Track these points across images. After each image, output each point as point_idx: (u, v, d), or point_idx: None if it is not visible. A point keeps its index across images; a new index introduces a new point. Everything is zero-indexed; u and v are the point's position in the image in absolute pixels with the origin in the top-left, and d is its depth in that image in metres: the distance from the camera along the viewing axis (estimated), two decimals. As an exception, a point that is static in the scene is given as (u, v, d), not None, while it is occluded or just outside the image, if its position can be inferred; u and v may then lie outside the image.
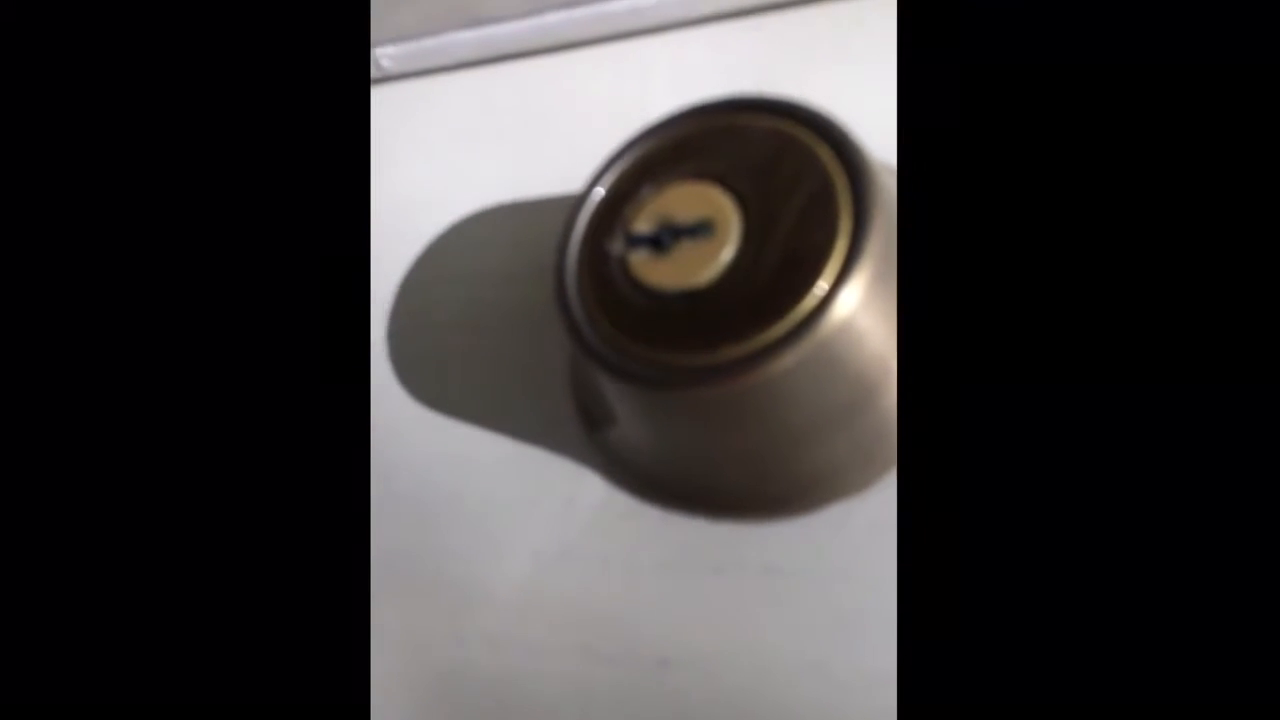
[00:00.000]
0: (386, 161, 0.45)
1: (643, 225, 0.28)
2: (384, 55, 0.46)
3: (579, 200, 0.30)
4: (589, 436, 0.34)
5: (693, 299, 0.26)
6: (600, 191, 0.29)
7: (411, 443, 0.39)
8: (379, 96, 0.47)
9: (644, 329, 0.27)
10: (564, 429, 0.36)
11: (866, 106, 0.35)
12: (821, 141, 0.26)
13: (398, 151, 0.45)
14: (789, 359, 0.25)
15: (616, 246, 0.28)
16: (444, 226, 0.43)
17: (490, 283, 0.40)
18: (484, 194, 0.42)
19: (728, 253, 0.26)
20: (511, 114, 0.43)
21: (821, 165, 0.26)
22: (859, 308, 0.25)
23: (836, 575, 0.28)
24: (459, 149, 0.44)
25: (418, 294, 0.42)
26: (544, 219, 0.41)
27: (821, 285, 0.25)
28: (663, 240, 0.27)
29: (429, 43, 0.44)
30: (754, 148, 0.27)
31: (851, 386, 0.27)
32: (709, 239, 0.27)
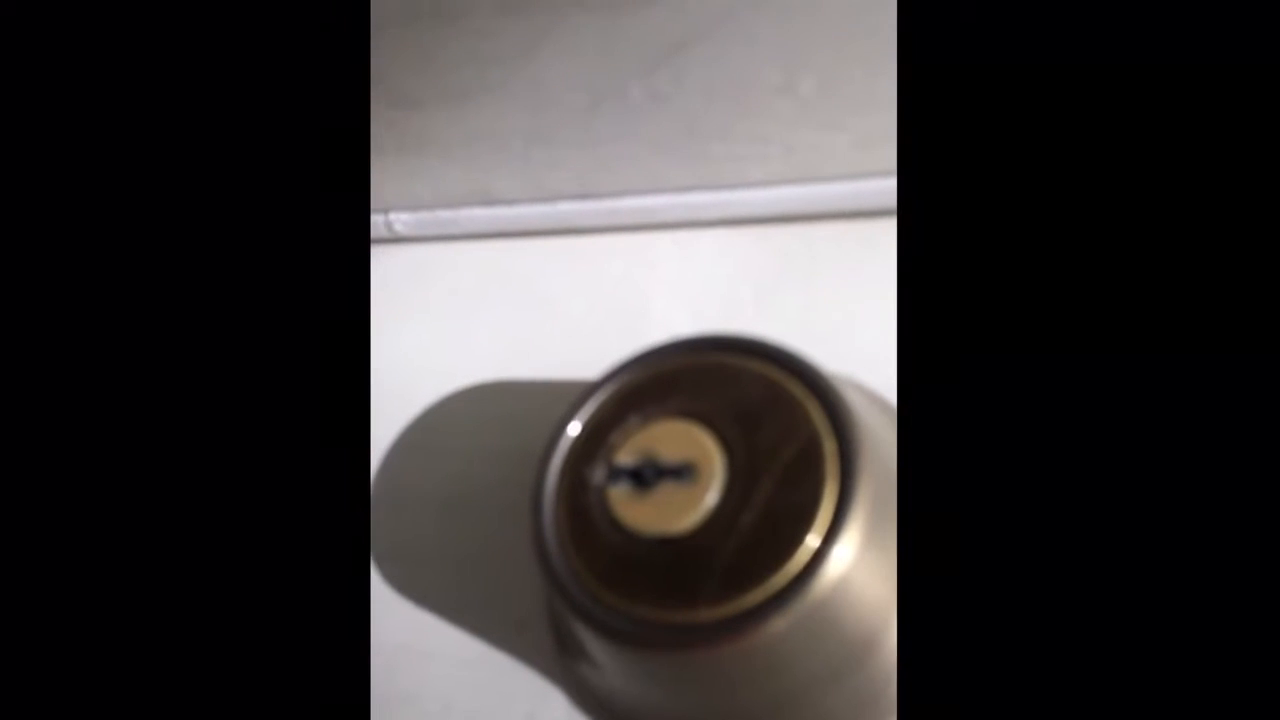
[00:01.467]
0: (390, 321, 0.45)
1: (626, 457, 0.27)
2: (398, 220, 0.47)
3: (564, 420, 0.29)
4: (558, 655, 0.32)
5: (672, 546, 0.25)
6: (586, 415, 0.29)
7: (373, 629, 0.37)
8: (389, 257, 0.48)
9: (621, 574, 0.26)
10: (534, 634, 0.34)
11: (867, 326, 0.35)
12: (811, 396, 0.26)
13: (402, 313, 0.46)
14: (778, 623, 0.23)
15: (598, 475, 0.28)
16: (438, 396, 0.42)
17: (478, 461, 0.40)
18: (482, 367, 0.42)
19: (710, 500, 0.26)
20: (518, 289, 0.44)
21: (809, 421, 0.25)
22: (852, 564, 0.24)
23: None
24: (463, 317, 0.44)
25: (402, 463, 0.41)
26: (539, 401, 0.41)
27: (812, 539, 0.24)
28: (645, 476, 0.27)
29: (443, 214, 0.45)
30: (743, 392, 0.27)
31: (846, 645, 0.25)
32: (692, 482, 0.26)
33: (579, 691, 0.31)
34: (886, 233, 0.36)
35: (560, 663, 0.32)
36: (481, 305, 0.44)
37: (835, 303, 0.36)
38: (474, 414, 0.41)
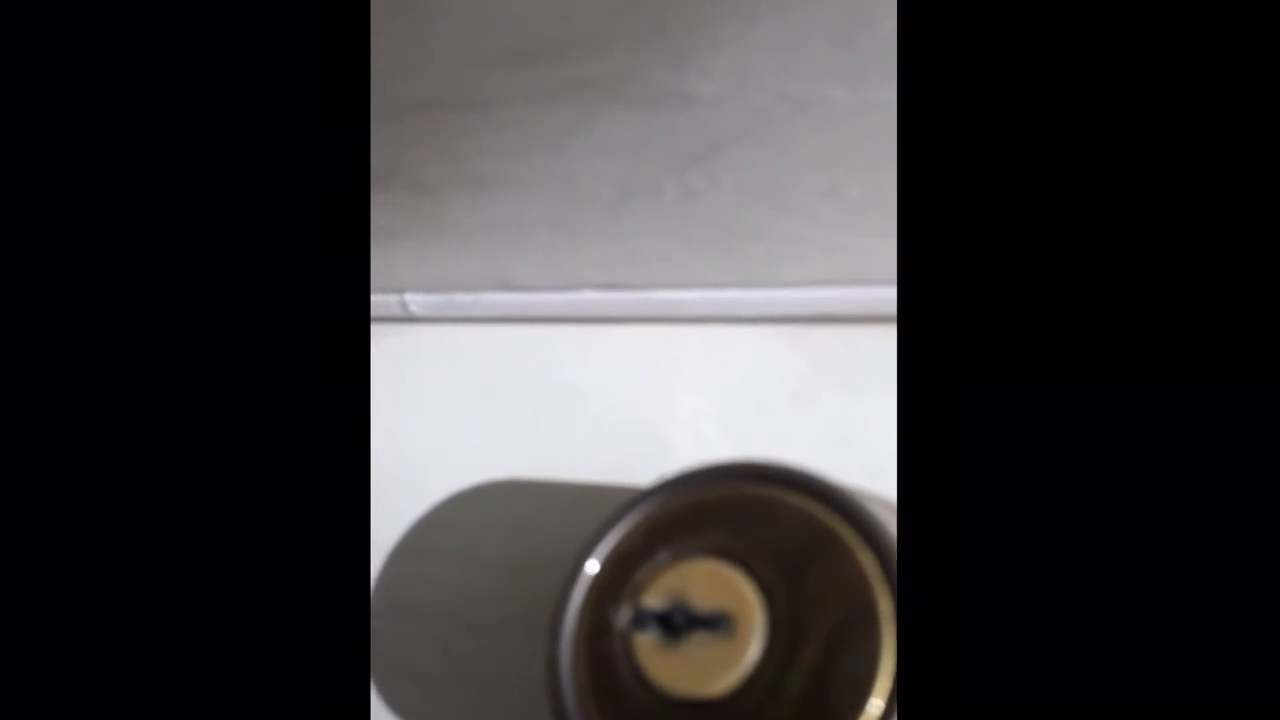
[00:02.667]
0: (399, 405, 0.43)
1: (654, 600, 0.25)
2: (413, 300, 0.45)
3: (586, 547, 0.27)
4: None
5: (708, 712, 0.23)
6: (609, 546, 0.26)
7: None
8: (402, 336, 0.46)
9: (643, 739, 0.23)
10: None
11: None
12: (864, 544, 0.23)
13: (413, 397, 0.43)
14: None
15: (622, 618, 0.25)
16: (447, 493, 0.40)
17: (487, 569, 0.37)
18: (495, 463, 0.40)
19: (749, 658, 0.23)
20: (535, 378, 0.42)
21: (862, 573, 0.23)
22: None
23: None
24: (477, 405, 0.42)
25: (405, 569, 0.39)
26: (553, 505, 0.38)
27: (874, 707, 0.21)
28: (675, 622, 0.24)
29: (460, 297, 0.43)
30: (786, 533, 0.24)
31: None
32: (727, 636, 0.23)
33: None
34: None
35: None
36: (497, 393, 0.42)
37: (878, 410, 0.33)
38: (484, 516, 0.38)
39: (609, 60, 0.27)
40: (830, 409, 0.34)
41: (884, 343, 0.35)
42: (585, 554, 0.26)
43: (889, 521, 0.25)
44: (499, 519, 0.38)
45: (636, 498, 0.27)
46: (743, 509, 0.25)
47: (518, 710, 0.34)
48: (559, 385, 0.41)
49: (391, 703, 0.35)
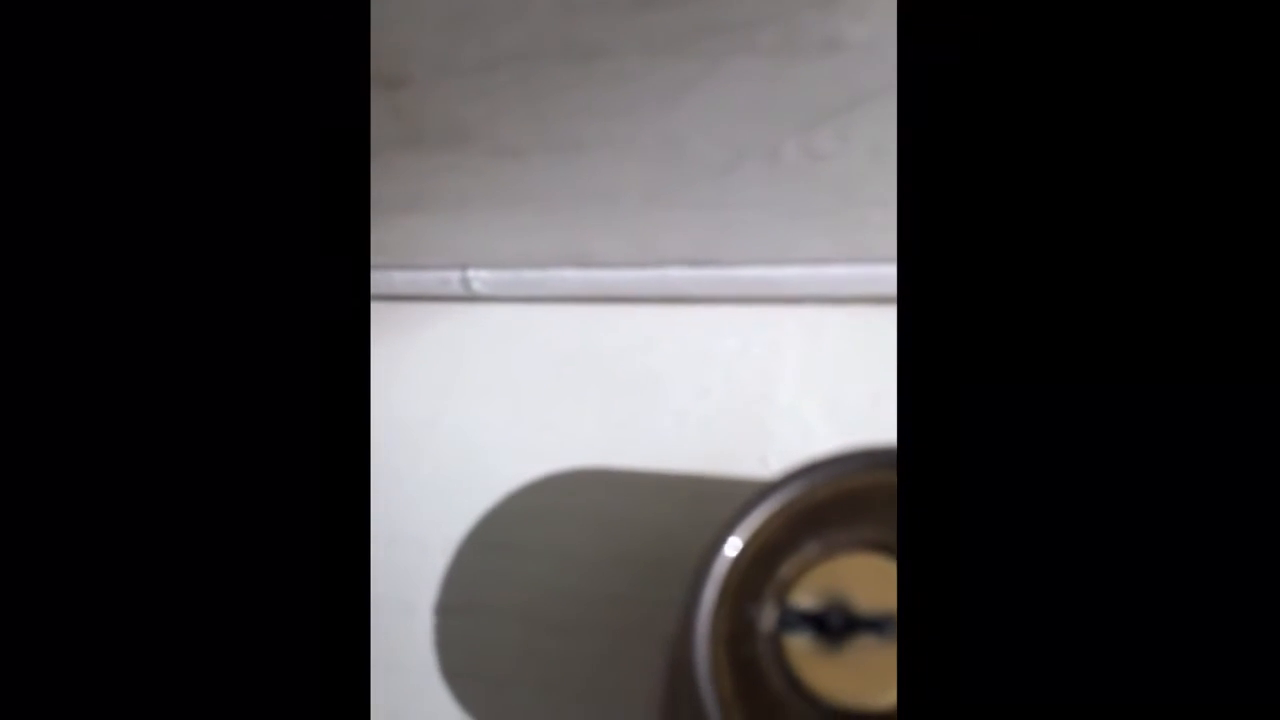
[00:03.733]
0: (465, 391, 0.40)
1: (805, 598, 0.22)
2: (476, 278, 0.42)
3: (721, 534, 0.24)
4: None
5: (875, 724, 0.20)
6: (748, 533, 0.24)
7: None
8: (464, 316, 0.43)
9: (805, 756, 0.20)
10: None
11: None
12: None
13: (480, 383, 0.40)
14: None
15: (767, 618, 0.22)
16: (521, 483, 0.37)
17: (568, 565, 0.34)
18: (574, 453, 0.37)
19: (923, 665, 0.20)
20: (614, 362, 0.39)
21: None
22: None
23: None
24: (551, 392, 0.39)
25: (479, 563, 0.36)
26: (640, 497, 0.35)
27: None
28: (831, 624, 0.21)
29: (529, 274, 0.41)
30: (960, 525, 0.22)
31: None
32: (895, 639, 0.21)
33: None
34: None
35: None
36: (573, 379, 0.39)
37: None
38: (562, 508, 0.36)
39: (747, 1, 0.25)
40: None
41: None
42: (718, 545, 0.24)
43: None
44: (579, 510, 0.35)
45: (773, 484, 0.24)
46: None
47: (604, 718, 0.31)
48: (639, 369, 0.38)
49: (467, 706, 0.32)
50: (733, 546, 0.23)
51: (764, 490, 0.24)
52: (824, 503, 0.23)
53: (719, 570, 0.23)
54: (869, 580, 0.22)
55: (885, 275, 0.33)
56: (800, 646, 0.21)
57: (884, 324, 0.34)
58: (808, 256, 0.34)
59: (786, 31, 0.25)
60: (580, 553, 0.35)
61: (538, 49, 0.29)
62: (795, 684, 0.21)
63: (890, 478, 0.23)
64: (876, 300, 0.34)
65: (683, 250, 0.37)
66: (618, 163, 0.32)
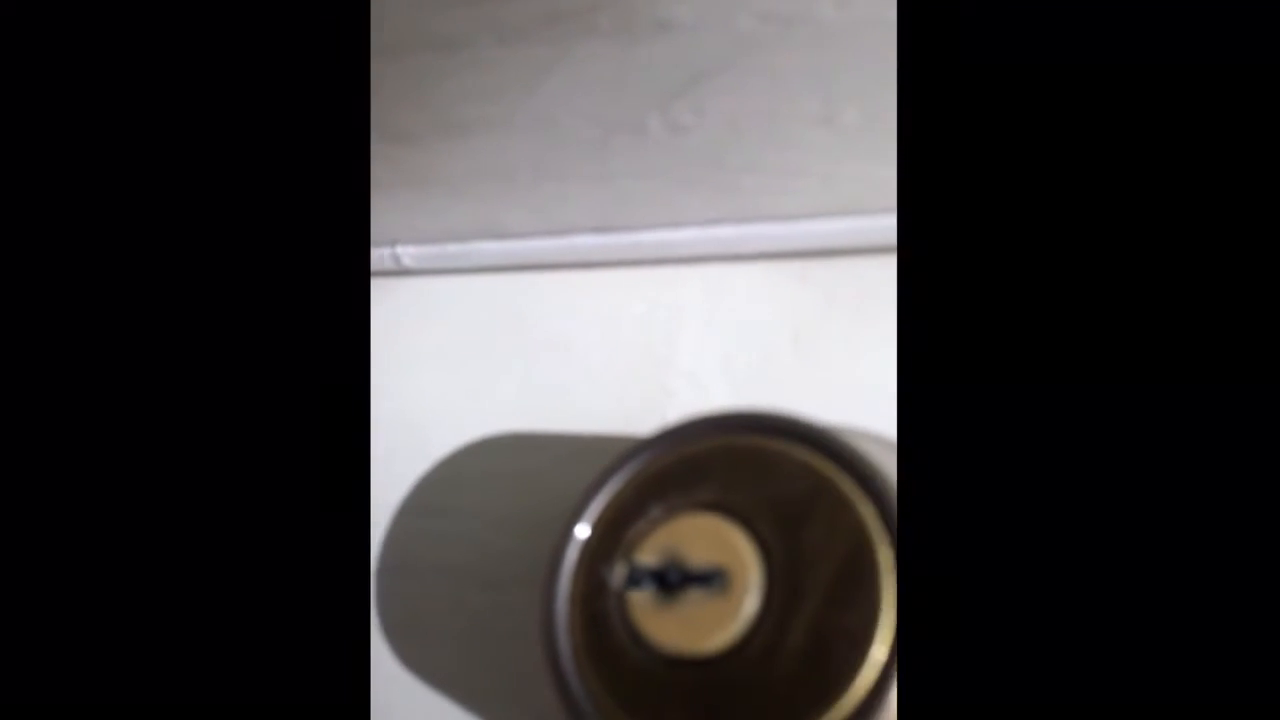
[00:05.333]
0: (398, 362, 0.42)
1: (648, 557, 0.24)
2: (405, 253, 0.44)
3: (580, 505, 0.26)
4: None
5: (703, 669, 0.22)
6: (603, 503, 0.26)
7: (377, 709, 0.34)
8: (395, 290, 0.45)
9: (645, 700, 0.22)
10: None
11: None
12: (862, 493, 0.22)
13: (411, 353, 0.43)
14: None
15: (616, 576, 0.24)
16: (451, 449, 0.39)
17: (493, 524, 0.37)
18: (497, 417, 0.39)
19: (746, 614, 0.22)
20: (532, 328, 0.40)
21: (861, 524, 0.22)
22: None
23: None
24: (476, 360, 0.41)
25: (411, 526, 0.38)
26: (558, 457, 0.37)
27: (878, 654, 0.20)
28: (670, 579, 0.23)
29: (452, 247, 0.42)
30: (783, 485, 0.23)
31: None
32: (723, 592, 0.23)
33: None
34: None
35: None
36: (495, 346, 0.41)
37: (885, 346, 0.32)
38: (489, 471, 0.38)
39: (575, -12, 0.25)
40: (836, 348, 0.33)
41: (889, 274, 0.33)
42: (577, 514, 0.26)
43: (891, 465, 0.24)
44: (504, 474, 0.38)
45: (627, 453, 0.26)
46: (737, 461, 0.24)
47: (532, 666, 0.34)
48: (556, 335, 0.39)
49: (405, 661, 0.35)
50: (588, 515, 0.25)
51: (616, 462, 0.26)
52: (667, 469, 0.25)
53: (576, 539, 0.25)
54: (702, 538, 0.23)
55: (775, 233, 0.34)
56: (641, 601, 0.23)
57: (778, 279, 0.35)
58: (702, 218, 0.35)
59: (621, 15, 0.26)
60: (507, 513, 0.37)
61: (408, 42, 0.30)
62: (635, 635, 0.23)
63: (726, 441, 0.25)
64: (770, 256, 0.35)
65: (586, 219, 0.38)
66: (501, 142, 0.33)
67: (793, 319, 0.34)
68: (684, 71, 0.27)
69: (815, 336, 0.33)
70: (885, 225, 0.32)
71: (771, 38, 0.25)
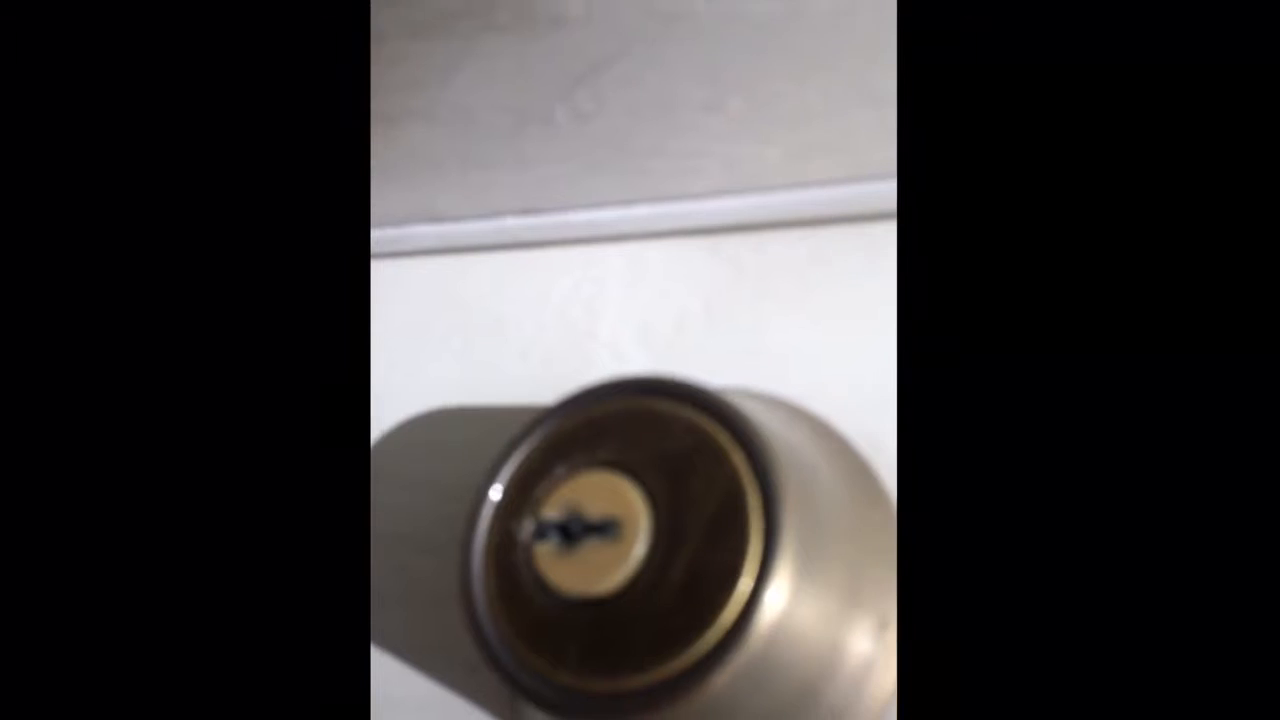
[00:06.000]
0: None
1: (552, 511, 0.26)
2: (348, 239, 0.45)
3: (494, 467, 0.28)
4: (511, 700, 0.32)
5: (598, 608, 0.25)
6: (515, 464, 0.28)
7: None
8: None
9: (547, 638, 0.25)
10: (487, 677, 0.34)
11: (816, 338, 0.34)
12: (736, 444, 0.25)
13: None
14: (717, 679, 0.22)
15: (525, 530, 0.27)
16: (393, 423, 0.41)
17: (430, 493, 0.39)
18: (438, 392, 0.41)
19: (636, 557, 0.25)
20: (469, 307, 0.43)
21: (734, 472, 0.24)
22: (784, 612, 0.23)
23: None
24: (416, 338, 0.43)
25: (360, 497, 0.40)
26: (492, 428, 0.40)
27: (744, 586, 0.23)
28: (571, 531, 0.26)
29: (391, 231, 0.44)
30: (670, 442, 0.26)
31: (787, 694, 0.25)
32: (616, 540, 0.25)
33: (529, 739, 0.30)
34: (834, 242, 0.34)
35: (513, 708, 0.32)
36: (433, 325, 0.43)
37: (788, 315, 0.34)
38: (428, 442, 0.40)
39: (475, -13, 0.27)
40: (744, 317, 0.35)
41: (791, 249, 0.35)
42: (491, 477, 0.28)
43: (769, 420, 0.27)
44: (443, 444, 0.40)
45: (535, 420, 0.28)
46: (631, 422, 0.27)
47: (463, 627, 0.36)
48: (489, 313, 0.42)
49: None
50: (501, 477, 0.28)
51: (526, 428, 0.28)
52: (570, 432, 0.27)
53: (491, 498, 0.28)
54: (600, 493, 0.26)
55: (685, 211, 0.36)
56: (546, 551, 0.26)
57: (692, 254, 0.37)
58: (619, 199, 0.38)
59: (518, 10, 0.28)
60: (447, 481, 0.39)
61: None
62: (540, 581, 0.26)
63: (622, 404, 0.27)
64: (684, 233, 0.38)
65: (512, 202, 0.40)
66: (426, 132, 0.35)
67: (704, 291, 0.36)
68: (581, 63, 0.29)
69: (725, 307, 0.36)
70: (784, 201, 0.34)
71: (656, 31, 0.27)
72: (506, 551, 0.27)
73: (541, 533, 0.26)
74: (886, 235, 0.33)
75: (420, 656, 0.36)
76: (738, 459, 0.24)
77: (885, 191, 0.30)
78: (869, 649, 0.26)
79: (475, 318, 0.42)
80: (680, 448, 0.26)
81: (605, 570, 0.25)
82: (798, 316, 0.34)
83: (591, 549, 0.25)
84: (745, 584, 0.23)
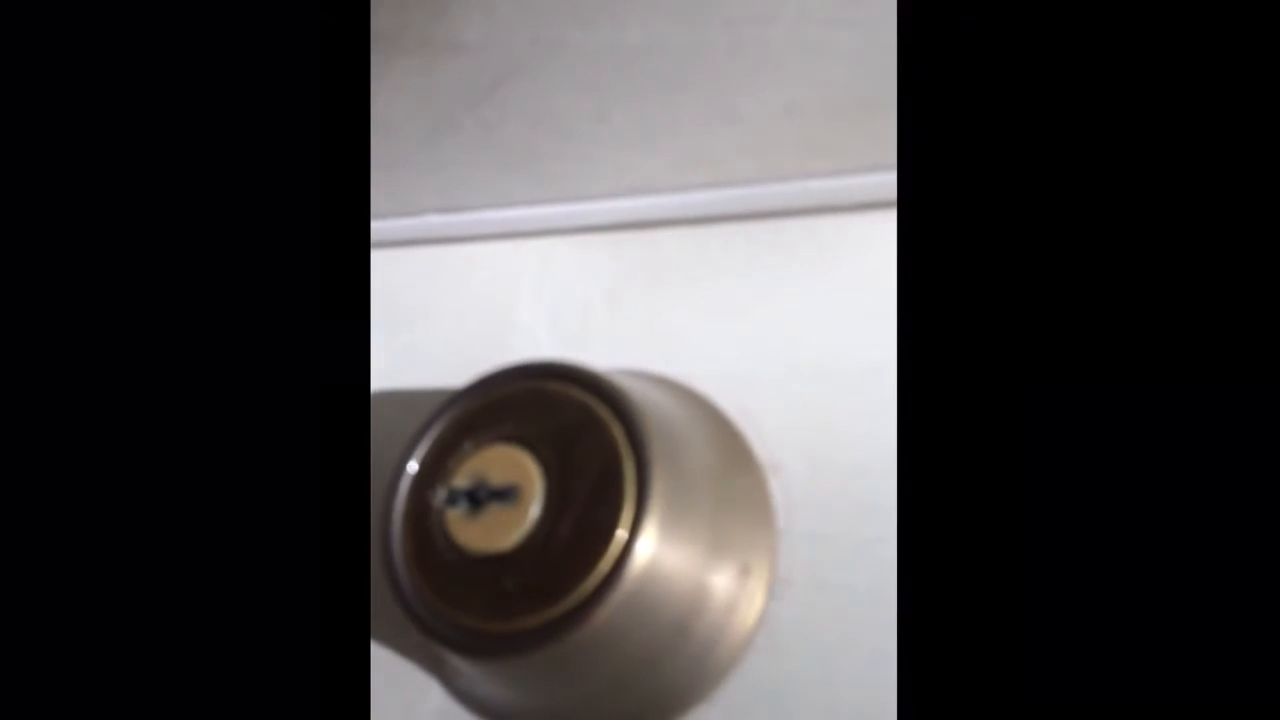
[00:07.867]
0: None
1: (462, 481, 0.30)
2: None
3: (411, 443, 0.32)
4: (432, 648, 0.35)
5: (499, 562, 0.28)
6: (430, 441, 0.31)
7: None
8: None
9: (455, 589, 0.29)
10: (414, 634, 0.37)
11: (701, 325, 0.38)
12: (616, 418, 0.29)
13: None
14: (600, 614, 0.26)
15: (437, 498, 0.30)
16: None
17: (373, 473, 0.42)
18: (372, 378, 0.44)
19: (531, 518, 0.28)
20: (395, 297, 0.46)
21: (613, 442, 0.28)
22: (654, 558, 0.27)
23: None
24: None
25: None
26: (420, 414, 0.43)
27: (620, 535, 0.27)
28: (478, 497, 0.30)
29: (321, 229, 0.47)
30: (561, 417, 0.29)
31: (660, 631, 0.29)
32: (515, 503, 0.29)
33: (449, 685, 0.34)
34: (717, 239, 0.38)
35: (438, 660, 0.35)
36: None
37: (676, 305, 0.38)
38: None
39: (381, 15, 0.30)
40: (640, 306, 0.39)
41: (681, 245, 0.39)
42: (408, 452, 0.32)
43: (651, 398, 0.31)
44: (378, 428, 0.43)
45: (447, 402, 0.32)
46: (530, 401, 0.30)
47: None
48: (415, 305, 0.45)
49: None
50: (417, 453, 0.31)
51: (439, 409, 0.32)
52: (477, 411, 0.31)
53: (408, 471, 0.31)
54: (502, 464, 0.30)
55: (587, 210, 0.40)
56: (456, 515, 0.30)
57: (596, 250, 0.41)
58: (530, 199, 0.41)
59: (421, 36, 0.31)
60: (380, 462, 0.43)
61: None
62: (450, 542, 0.29)
63: (522, 386, 0.31)
64: (589, 230, 0.41)
65: (434, 201, 0.43)
66: (347, 139, 0.38)
67: (605, 283, 0.40)
68: (483, 80, 0.33)
69: (623, 297, 0.39)
70: (670, 203, 0.38)
71: (542, 56, 0.31)
72: (422, 518, 0.30)
73: (452, 499, 0.30)
74: (766, 233, 0.38)
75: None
76: (617, 431, 0.28)
77: (753, 195, 0.34)
78: (732, 590, 0.30)
79: (402, 310, 0.45)
80: (570, 423, 0.29)
81: (506, 530, 0.29)
82: (686, 306, 0.38)
83: (494, 512, 0.29)
84: (620, 536, 0.27)
